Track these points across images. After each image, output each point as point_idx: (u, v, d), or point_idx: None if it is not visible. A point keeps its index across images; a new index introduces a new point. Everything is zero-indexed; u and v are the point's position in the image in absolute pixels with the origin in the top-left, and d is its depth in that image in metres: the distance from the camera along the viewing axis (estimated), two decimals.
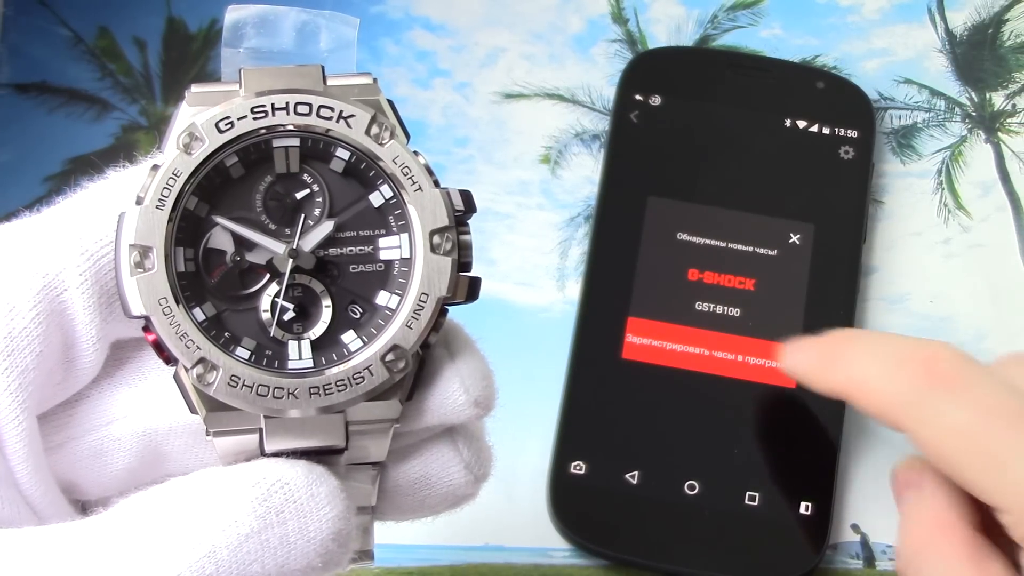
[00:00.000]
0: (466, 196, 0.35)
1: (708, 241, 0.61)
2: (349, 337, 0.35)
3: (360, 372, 0.34)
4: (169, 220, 0.33)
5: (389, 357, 0.34)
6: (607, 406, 0.58)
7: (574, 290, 0.62)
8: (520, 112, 0.66)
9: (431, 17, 0.68)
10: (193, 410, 0.34)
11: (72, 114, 0.65)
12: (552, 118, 0.66)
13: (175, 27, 0.67)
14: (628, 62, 0.65)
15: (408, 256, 0.35)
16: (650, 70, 0.65)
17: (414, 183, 0.35)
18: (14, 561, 0.30)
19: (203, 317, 0.34)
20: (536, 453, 0.58)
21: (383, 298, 0.35)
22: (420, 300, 0.34)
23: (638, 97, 0.64)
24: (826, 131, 0.63)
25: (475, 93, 0.66)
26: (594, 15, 0.68)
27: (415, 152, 0.35)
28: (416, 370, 0.35)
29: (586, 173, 0.64)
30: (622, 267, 0.61)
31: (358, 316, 0.35)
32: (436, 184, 0.35)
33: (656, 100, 0.64)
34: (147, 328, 0.33)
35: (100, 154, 0.64)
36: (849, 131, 0.63)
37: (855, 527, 0.58)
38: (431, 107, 0.65)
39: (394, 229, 0.35)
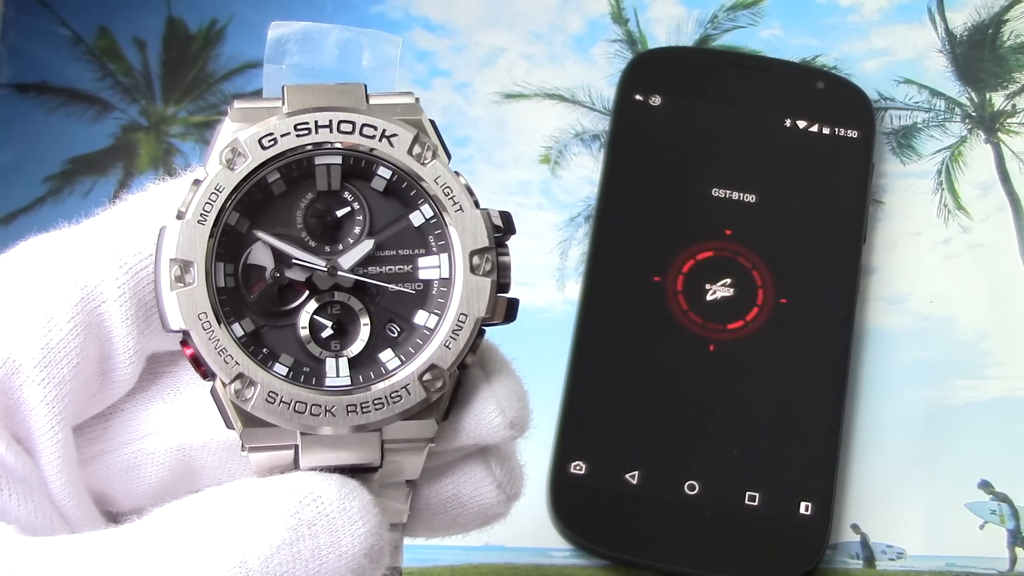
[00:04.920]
0: (506, 217, 0.35)
1: (708, 239, 0.61)
2: (387, 356, 0.35)
3: (397, 391, 0.34)
4: (210, 235, 0.33)
5: (426, 377, 0.34)
6: (607, 406, 0.58)
7: (574, 290, 0.62)
8: (520, 112, 0.66)
9: (431, 17, 0.68)
10: (229, 425, 0.34)
11: (72, 114, 0.65)
12: (552, 118, 0.66)
13: (175, 27, 0.67)
14: (628, 62, 0.65)
15: (447, 276, 0.35)
16: (650, 70, 0.65)
17: (455, 203, 0.35)
18: (47, 568, 0.30)
19: (242, 333, 0.34)
20: (536, 453, 0.58)
21: (421, 317, 0.35)
22: (459, 320, 0.34)
23: (638, 97, 0.64)
24: (826, 131, 0.63)
25: (475, 93, 0.66)
26: (594, 15, 0.68)
27: (456, 172, 0.35)
28: (452, 390, 0.35)
29: (586, 173, 0.64)
30: (622, 267, 0.61)
31: (396, 335, 0.35)
32: (476, 205, 0.35)
33: (656, 100, 0.64)
34: (185, 342, 0.33)
35: (100, 154, 0.64)
36: (849, 131, 0.63)
37: (855, 527, 0.58)
38: (431, 107, 0.65)
39: (434, 249, 0.35)
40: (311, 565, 0.31)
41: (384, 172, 0.35)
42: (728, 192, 0.62)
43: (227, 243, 0.34)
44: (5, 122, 0.64)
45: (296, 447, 0.34)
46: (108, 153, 0.64)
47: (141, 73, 0.66)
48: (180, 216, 0.33)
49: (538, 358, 0.59)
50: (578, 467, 0.57)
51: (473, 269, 0.34)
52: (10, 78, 0.65)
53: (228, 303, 0.34)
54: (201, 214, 0.33)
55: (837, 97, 0.64)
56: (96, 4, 0.67)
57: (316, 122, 0.34)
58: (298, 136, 0.34)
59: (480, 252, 0.35)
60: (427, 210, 0.35)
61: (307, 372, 0.34)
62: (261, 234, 0.34)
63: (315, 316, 0.35)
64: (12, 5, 0.66)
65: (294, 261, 0.34)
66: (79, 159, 0.64)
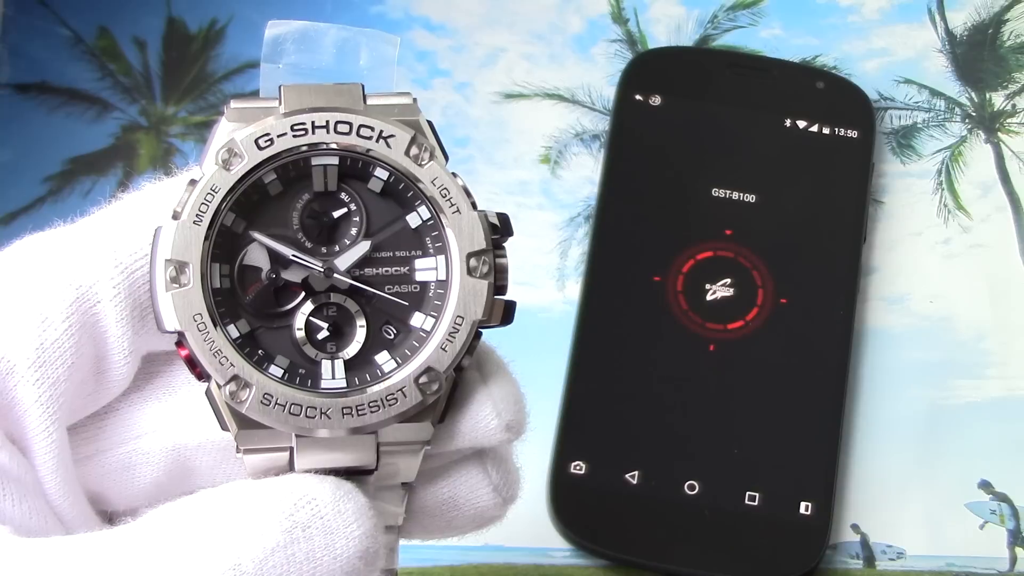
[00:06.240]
0: (503, 219, 0.35)
1: (708, 239, 0.61)
2: (383, 358, 0.35)
3: (393, 393, 0.34)
4: (206, 236, 0.33)
5: (423, 379, 0.34)
6: (607, 406, 0.58)
7: (574, 290, 0.62)
8: (520, 112, 0.66)
9: (431, 17, 0.68)
10: (224, 427, 0.33)
11: (72, 114, 0.65)
12: (552, 118, 0.66)
13: (175, 27, 0.67)
14: (628, 62, 0.65)
15: (444, 278, 0.35)
16: (650, 70, 0.65)
17: (452, 205, 0.34)
18: (42, 570, 0.30)
19: (237, 334, 0.34)
20: (536, 453, 0.58)
21: (418, 319, 0.35)
22: (455, 323, 0.34)
23: (638, 97, 0.64)
24: (826, 131, 0.63)
25: (475, 93, 0.66)
26: (594, 15, 0.68)
27: (453, 174, 0.35)
28: (449, 393, 0.34)
29: (586, 173, 0.64)
30: (622, 267, 0.61)
31: (392, 337, 0.35)
32: (474, 206, 0.35)
33: (656, 100, 0.64)
34: (180, 343, 0.33)
35: (100, 153, 0.64)
36: (849, 131, 0.63)
37: (855, 527, 0.58)
38: (431, 107, 0.65)
39: (431, 251, 0.35)
40: (306, 568, 0.31)
41: (381, 173, 0.35)
42: (728, 192, 0.62)
43: (223, 244, 0.34)
44: (5, 122, 0.64)
45: (291, 449, 0.33)
46: (108, 153, 0.64)
47: (141, 73, 0.66)
48: (176, 216, 0.33)
49: (538, 358, 0.59)
50: (578, 467, 0.57)
51: (470, 271, 0.34)
52: (10, 78, 0.65)
53: (224, 304, 0.34)
54: (197, 214, 0.33)
55: (837, 97, 0.64)
56: (96, 4, 0.67)
57: (313, 122, 0.34)
58: (295, 136, 0.34)
59: (477, 254, 0.34)
60: (424, 212, 0.35)
61: (303, 374, 0.34)
62: (257, 235, 0.34)
63: (311, 318, 0.35)
64: (12, 5, 0.66)
65: (290, 261, 0.34)
66: (79, 159, 0.64)
